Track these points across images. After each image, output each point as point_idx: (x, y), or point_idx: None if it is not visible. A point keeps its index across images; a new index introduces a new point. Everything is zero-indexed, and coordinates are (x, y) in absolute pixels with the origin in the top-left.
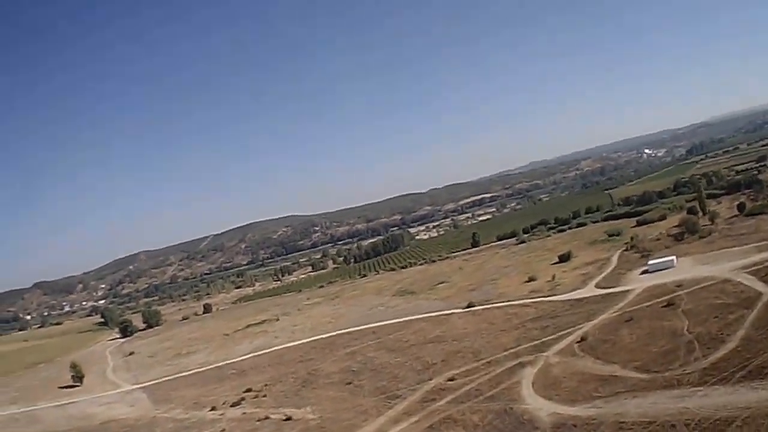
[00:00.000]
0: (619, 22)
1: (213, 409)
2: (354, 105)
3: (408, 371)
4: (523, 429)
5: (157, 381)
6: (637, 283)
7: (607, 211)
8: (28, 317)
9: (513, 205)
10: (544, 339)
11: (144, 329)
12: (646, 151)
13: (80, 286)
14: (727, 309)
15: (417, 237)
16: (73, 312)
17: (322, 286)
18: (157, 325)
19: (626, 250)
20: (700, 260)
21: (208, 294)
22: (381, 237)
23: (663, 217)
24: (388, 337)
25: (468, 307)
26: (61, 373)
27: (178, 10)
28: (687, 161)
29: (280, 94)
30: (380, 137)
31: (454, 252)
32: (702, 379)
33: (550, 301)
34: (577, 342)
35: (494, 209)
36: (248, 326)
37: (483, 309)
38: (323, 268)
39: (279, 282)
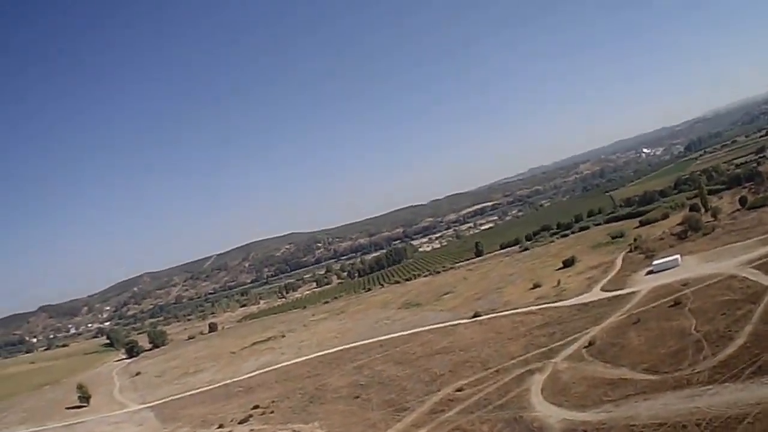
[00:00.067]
0: (611, 21)
1: (221, 426)
2: (351, 121)
3: (416, 383)
4: None
5: (164, 400)
6: (643, 284)
7: (609, 214)
8: (34, 340)
9: (514, 212)
10: (551, 345)
11: (150, 349)
12: (645, 150)
13: (85, 308)
14: (734, 305)
15: (420, 249)
16: (79, 334)
17: (327, 302)
18: (163, 345)
19: (630, 251)
20: (704, 257)
21: (213, 313)
22: (384, 250)
23: (665, 216)
24: (395, 350)
25: (474, 316)
26: (68, 394)
27: (179, 29)
28: (686, 158)
29: (279, 114)
30: (379, 150)
31: (457, 262)
32: (712, 378)
33: (556, 307)
34: (585, 347)
35: (496, 217)
36: (254, 344)
37: (489, 318)
38: (327, 284)
39: (284, 299)
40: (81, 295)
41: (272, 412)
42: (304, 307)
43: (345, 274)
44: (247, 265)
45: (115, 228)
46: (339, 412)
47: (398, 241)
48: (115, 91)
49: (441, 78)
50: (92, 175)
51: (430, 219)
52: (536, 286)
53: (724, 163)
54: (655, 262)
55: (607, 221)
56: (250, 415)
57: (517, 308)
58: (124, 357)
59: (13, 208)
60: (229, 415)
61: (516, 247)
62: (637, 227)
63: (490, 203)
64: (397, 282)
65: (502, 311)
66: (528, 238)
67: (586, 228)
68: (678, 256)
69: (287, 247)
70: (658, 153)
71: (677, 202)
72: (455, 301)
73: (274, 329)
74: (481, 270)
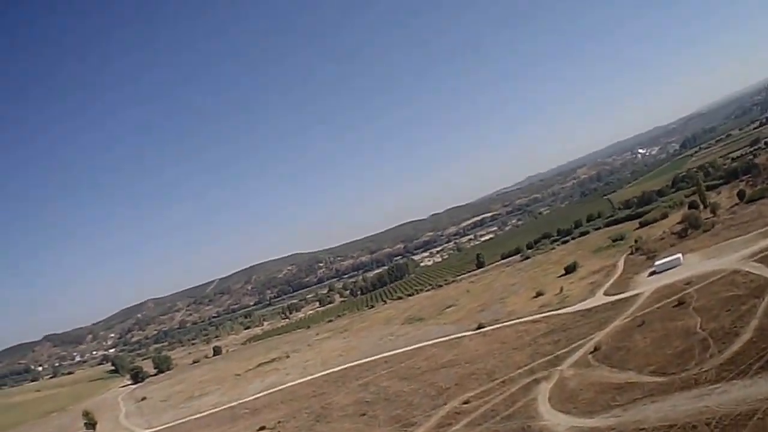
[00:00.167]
0: (598, 23)
1: None
2: (350, 140)
3: (422, 398)
4: None
5: (170, 424)
6: (646, 285)
7: (609, 217)
8: (40, 369)
9: (514, 221)
10: (557, 353)
11: (155, 374)
12: (640, 150)
13: (90, 336)
14: (738, 301)
15: (421, 264)
16: (84, 361)
17: (330, 321)
18: (168, 370)
19: (631, 253)
20: (706, 254)
21: (217, 337)
22: (385, 267)
23: (665, 216)
24: (400, 366)
25: (478, 328)
26: (75, 421)
27: (177, 60)
28: (682, 156)
29: (276, 136)
30: (377, 167)
31: (459, 275)
32: (719, 376)
33: (560, 314)
34: (591, 352)
35: (496, 228)
36: (259, 365)
37: (493, 329)
38: (330, 303)
39: (287, 320)
40: (85, 323)
41: None
42: (308, 327)
43: (347, 292)
44: (249, 287)
45: (117, 255)
46: (345, 430)
47: (399, 257)
48: (115, 118)
49: (432, 90)
50: (94, 203)
51: (431, 233)
52: (539, 294)
53: (720, 157)
54: (656, 263)
55: (607, 225)
56: None
57: (520, 317)
58: (129, 383)
59: (16, 239)
60: None
61: (517, 257)
62: (637, 229)
63: (489, 214)
64: (400, 298)
65: (505, 321)
66: (529, 247)
67: (586, 233)
68: (679, 255)
69: (289, 268)
70: (653, 152)
71: (676, 201)
72: (458, 313)
73: (279, 350)
74: (483, 281)
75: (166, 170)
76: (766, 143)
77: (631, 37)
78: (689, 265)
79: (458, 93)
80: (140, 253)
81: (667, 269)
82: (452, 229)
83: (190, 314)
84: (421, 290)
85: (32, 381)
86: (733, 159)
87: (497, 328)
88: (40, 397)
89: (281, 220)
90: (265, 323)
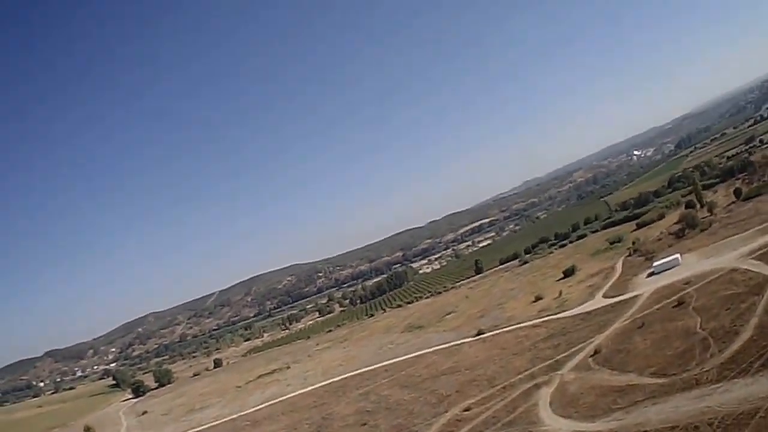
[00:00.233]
0: (592, 25)
1: None
2: (344, 150)
3: (423, 406)
4: None
5: None
6: (645, 287)
7: (606, 219)
8: (41, 384)
9: (512, 226)
10: (557, 357)
11: (156, 388)
12: (635, 152)
13: (91, 351)
14: (737, 299)
15: (420, 271)
16: (86, 376)
17: (330, 330)
18: (168, 383)
19: (629, 255)
20: (704, 254)
21: (217, 349)
22: (384, 275)
23: (662, 216)
24: (401, 374)
25: (478, 334)
26: None
27: (178, 71)
28: (677, 156)
29: (273, 147)
30: (374, 176)
31: (458, 281)
32: (721, 375)
33: (559, 319)
34: (591, 356)
35: (494, 234)
36: (260, 377)
37: (493, 335)
38: (330, 312)
39: (287, 330)
40: (86, 338)
41: None
42: (308, 337)
43: (347, 301)
44: (249, 299)
45: (117, 270)
46: None
47: (398, 265)
48: (116, 131)
49: (425, 95)
50: (93, 220)
51: (429, 240)
52: (538, 298)
53: (716, 156)
54: (655, 264)
55: (604, 227)
56: None
57: (520, 323)
58: (130, 397)
59: (16, 255)
60: None
61: (515, 262)
62: (634, 230)
63: (486, 220)
64: (399, 306)
65: (505, 327)
66: (527, 252)
67: (584, 236)
68: (678, 255)
69: (289, 278)
70: (649, 154)
71: (672, 201)
72: (458, 320)
73: (279, 361)
74: (481, 287)
75: (166, 185)
76: (761, 141)
77: (623, 40)
78: (688, 264)
79: (458, 94)
80: (140, 267)
81: (666, 270)
82: (450, 236)
83: (191, 327)
84: (420, 298)
85: (34, 397)
86: (728, 157)
87: (497, 333)
88: (42, 413)
89: (280, 231)
90: (266, 334)
